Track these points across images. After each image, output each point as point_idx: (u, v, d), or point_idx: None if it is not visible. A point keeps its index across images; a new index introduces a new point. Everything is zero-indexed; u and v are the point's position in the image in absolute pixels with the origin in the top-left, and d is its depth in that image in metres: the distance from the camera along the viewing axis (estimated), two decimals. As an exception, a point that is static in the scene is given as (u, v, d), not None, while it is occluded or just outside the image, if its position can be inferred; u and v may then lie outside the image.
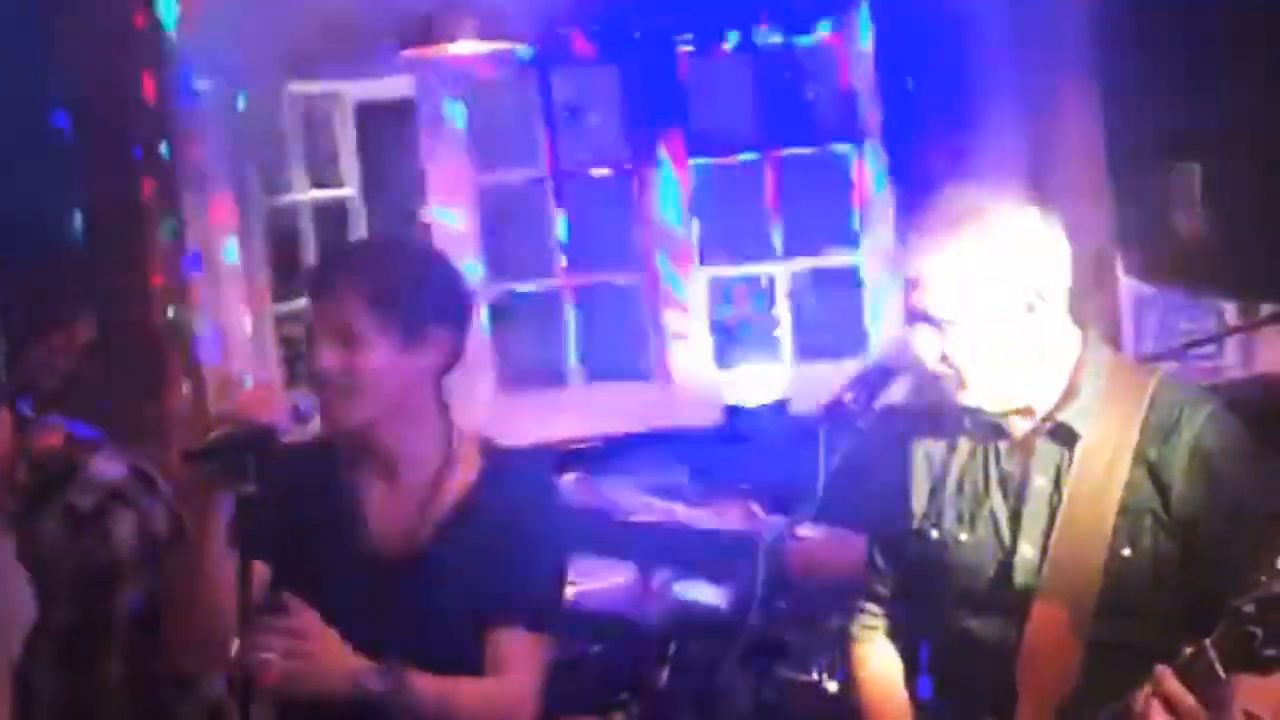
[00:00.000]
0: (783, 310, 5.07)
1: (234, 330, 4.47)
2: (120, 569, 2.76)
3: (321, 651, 2.40)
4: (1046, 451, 2.38)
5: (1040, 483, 2.38)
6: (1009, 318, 2.30)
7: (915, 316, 2.33)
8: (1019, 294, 2.30)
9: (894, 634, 2.65)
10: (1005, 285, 2.29)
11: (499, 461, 2.65)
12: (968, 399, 2.36)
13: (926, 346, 2.33)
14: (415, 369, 2.56)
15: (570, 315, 5.05)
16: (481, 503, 2.60)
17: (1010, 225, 2.30)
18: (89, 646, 2.76)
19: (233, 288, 4.48)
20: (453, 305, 2.62)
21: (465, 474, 2.62)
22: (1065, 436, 2.36)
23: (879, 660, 2.66)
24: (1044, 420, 2.39)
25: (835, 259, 5.09)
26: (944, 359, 2.32)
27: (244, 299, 4.51)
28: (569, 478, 4.19)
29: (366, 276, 2.54)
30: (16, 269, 3.43)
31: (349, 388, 2.53)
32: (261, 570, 2.54)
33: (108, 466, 2.81)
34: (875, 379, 2.61)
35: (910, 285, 2.32)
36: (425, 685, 2.47)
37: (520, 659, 2.56)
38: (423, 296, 2.56)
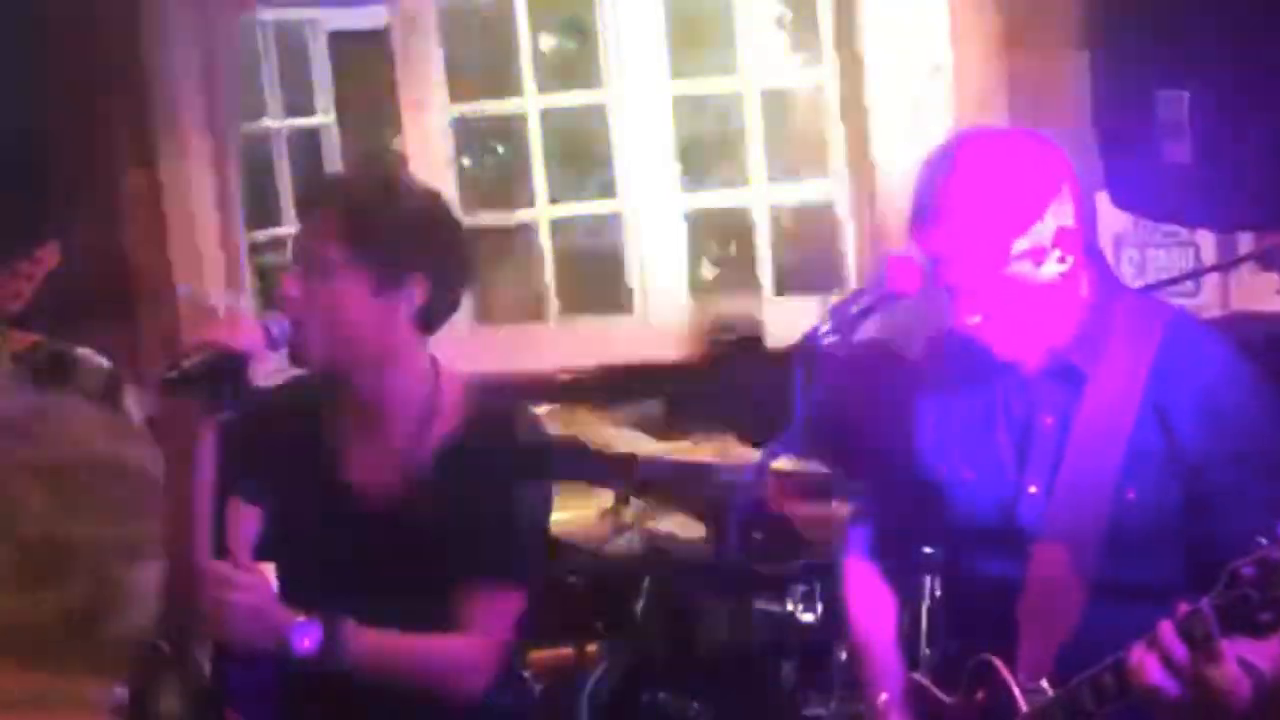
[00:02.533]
0: (761, 241, 5.02)
1: (207, 257, 4.42)
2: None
3: (244, 601, 2.33)
4: (1054, 390, 2.34)
5: (1048, 422, 2.34)
6: (1044, 263, 2.27)
7: (947, 280, 2.28)
8: (1052, 236, 2.27)
9: (891, 568, 2.62)
10: (1042, 230, 2.26)
11: (483, 409, 2.61)
12: (1003, 352, 2.33)
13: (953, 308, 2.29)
14: (391, 312, 2.51)
15: (547, 247, 5.00)
16: (465, 454, 2.54)
17: (1041, 166, 2.27)
18: None
19: (205, 214, 4.43)
20: (440, 253, 2.56)
21: (448, 423, 2.58)
22: (1074, 376, 2.33)
23: (859, 575, 2.64)
24: (1053, 359, 2.36)
25: (815, 190, 5.04)
26: (978, 315, 2.28)
27: (217, 226, 4.45)
28: (545, 410, 4.17)
29: (351, 211, 2.50)
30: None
31: (310, 316, 2.48)
32: (249, 516, 2.52)
33: (93, 356, 2.81)
34: (855, 312, 2.58)
35: (943, 248, 2.26)
36: (370, 643, 2.40)
37: (489, 617, 2.52)
38: (406, 241, 2.51)
